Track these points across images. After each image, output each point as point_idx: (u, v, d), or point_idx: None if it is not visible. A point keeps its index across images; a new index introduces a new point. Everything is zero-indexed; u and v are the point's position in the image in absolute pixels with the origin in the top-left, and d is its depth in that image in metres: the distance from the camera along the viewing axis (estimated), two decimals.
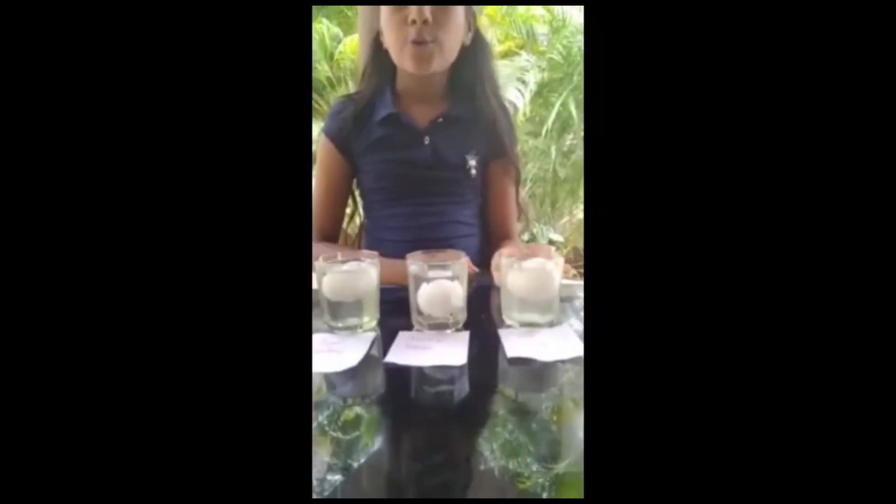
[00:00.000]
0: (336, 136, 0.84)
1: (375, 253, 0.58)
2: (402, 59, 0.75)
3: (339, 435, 0.39)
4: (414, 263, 0.54)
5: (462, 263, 0.54)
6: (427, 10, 0.70)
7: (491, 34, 3.87)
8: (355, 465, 0.34)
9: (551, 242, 3.21)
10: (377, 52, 0.81)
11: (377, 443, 0.39)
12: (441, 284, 0.53)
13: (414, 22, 0.70)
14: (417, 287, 0.54)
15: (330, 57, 4.05)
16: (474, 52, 0.80)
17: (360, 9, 1.84)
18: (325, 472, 0.34)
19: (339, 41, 3.96)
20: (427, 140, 0.80)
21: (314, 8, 4.08)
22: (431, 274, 0.53)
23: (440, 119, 0.80)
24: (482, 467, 0.34)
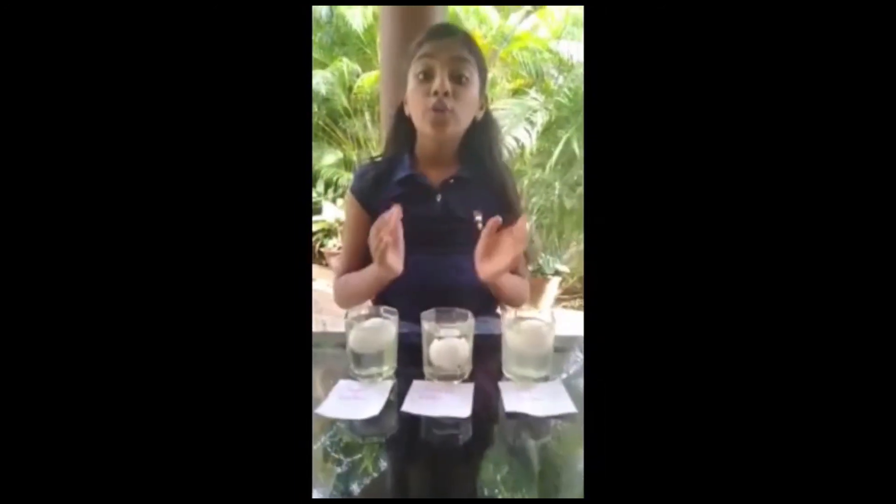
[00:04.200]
0: (360, 195, 0.97)
1: (395, 310, 0.67)
2: (424, 123, 0.88)
3: (363, 474, 0.47)
4: (427, 322, 0.63)
5: (470, 324, 0.63)
6: (447, 83, 0.84)
7: (502, 73, 4.05)
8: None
9: (557, 273, 3.28)
10: (400, 120, 0.94)
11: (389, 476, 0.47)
12: (450, 342, 0.62)
13: (436, 93, 0.84)
14: (430, 343, 0.63)
15: (349, 90, 4.26)
16: (484, 126, 0.94)
17: (382, 55, 2.00)
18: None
19: (358, 76, 4.18)
20: (439, 197, 0.92)
21: (335, 48, 4.31)
22: (442, 332, 0.62)
23: (451, 179, 0.92)
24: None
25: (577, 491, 0.43)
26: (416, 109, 0.88)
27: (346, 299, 0.98)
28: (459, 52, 0.85)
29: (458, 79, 0.85)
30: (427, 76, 0.86)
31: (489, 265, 0.79)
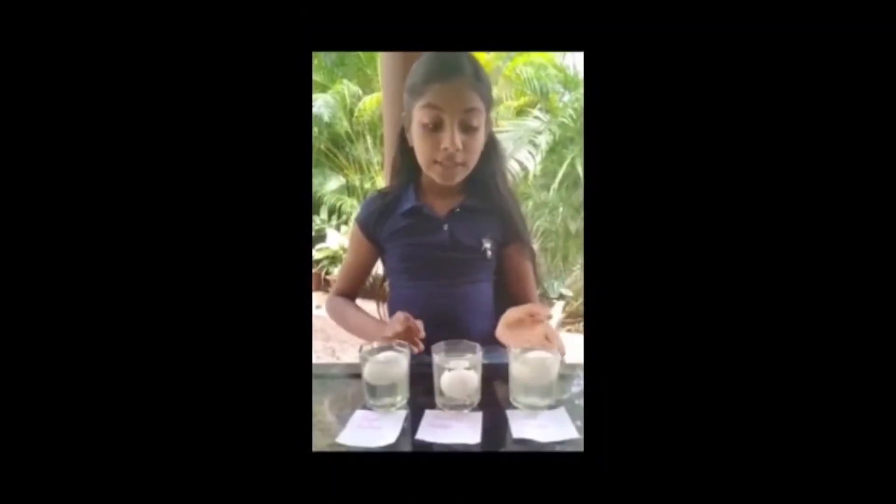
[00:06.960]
0: (364, 225, 0.99)
1: (407, 343, 0.71)
2: (430, 171, 0.89)
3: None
4: (437, 355, 0.67)
5: (478, 356, 0.67)
6: (458, 139, 0.82)
7: (506, 91, 4.11)
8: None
9: (561, 297, 3.29)
10: (403, 151, 0.94)
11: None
12: (460, 373, 0.66)
13: (446, 149, 0.83)
14: (440, 374, 0.67)
15: (350, 113, 4.33)
16: (488, 153, 0.93)
17: (384, 78, 2.04)
18: None
19: (359, 98, 4.25)
20: (446, 227, 0.93)
21: (335, 69, 4.39)
22: (452, 364, 0.66)
23: (458, 209, 0.94)
24: None
25: None
26: (423, 157, 0.88)
27: (336, 320, 1.03)
28: (470, 102, 0.82)
29: (468, 130, 0.83)
30: (435, 127, 0.83)
31: (508, 334, 0.78)
